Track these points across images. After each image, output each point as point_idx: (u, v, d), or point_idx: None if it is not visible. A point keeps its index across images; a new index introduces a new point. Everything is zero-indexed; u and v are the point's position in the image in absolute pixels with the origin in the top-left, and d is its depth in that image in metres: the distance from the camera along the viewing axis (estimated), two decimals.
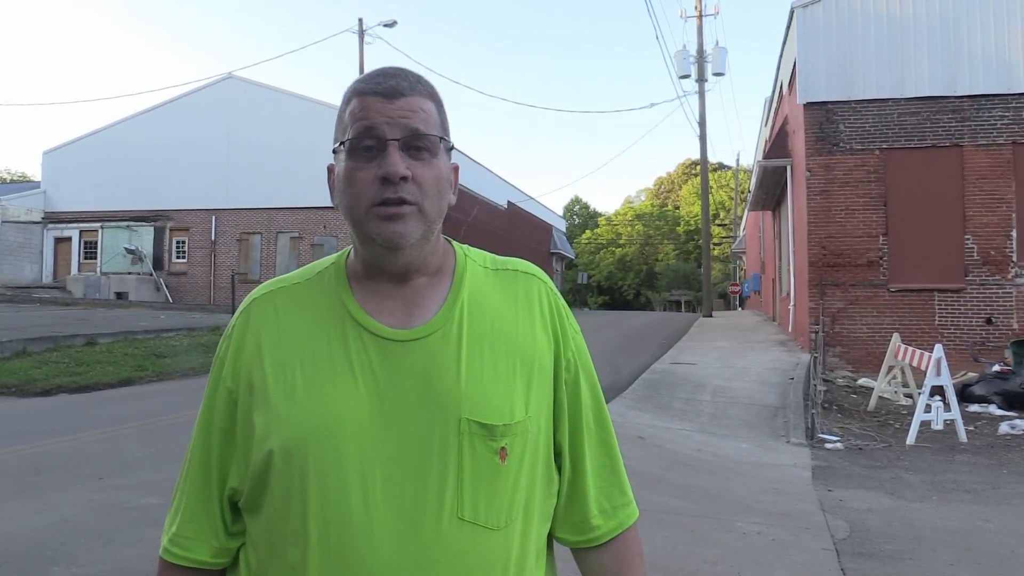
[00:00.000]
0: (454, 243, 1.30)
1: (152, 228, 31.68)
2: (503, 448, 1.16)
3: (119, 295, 29.82)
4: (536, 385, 1.22)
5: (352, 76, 25.13)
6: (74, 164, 32.28)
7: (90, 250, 32.44)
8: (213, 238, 30.88)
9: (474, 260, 1.29)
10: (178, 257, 31.79)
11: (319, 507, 1.12)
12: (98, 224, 32.07)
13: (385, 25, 28.77)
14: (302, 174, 27.65)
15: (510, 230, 39.29)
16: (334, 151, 1.22)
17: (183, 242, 31.57)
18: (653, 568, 4.82)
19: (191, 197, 30.62)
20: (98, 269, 31.85)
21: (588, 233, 73.15)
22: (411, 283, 1.23)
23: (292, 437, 1.13)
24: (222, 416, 1.22)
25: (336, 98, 24.38)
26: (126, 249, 31.42)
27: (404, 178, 1.14)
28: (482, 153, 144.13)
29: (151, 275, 31.42)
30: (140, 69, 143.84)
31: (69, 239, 32.71)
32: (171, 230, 31.67)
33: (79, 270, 32.28)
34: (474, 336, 1.20)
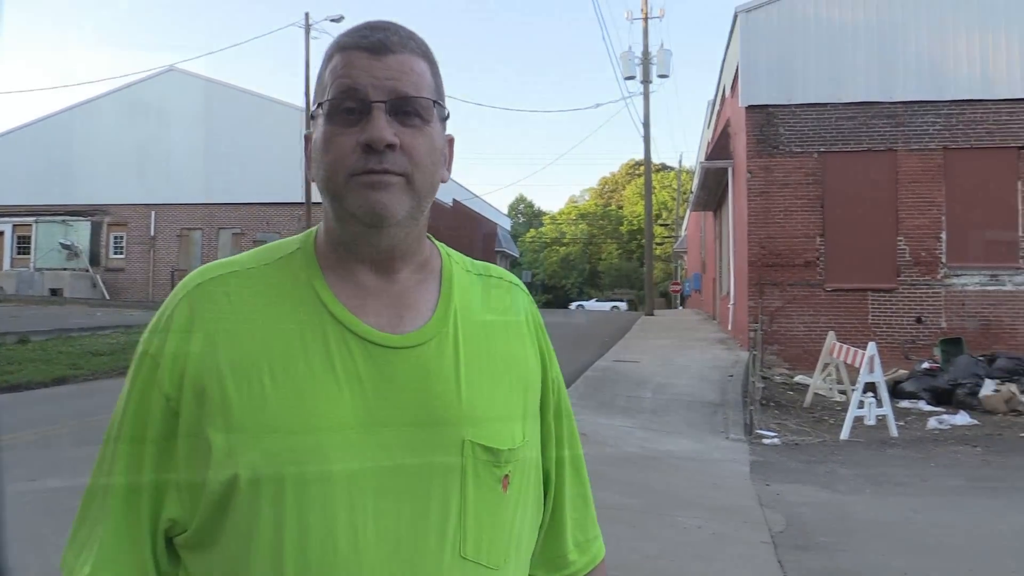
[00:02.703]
0: (434, 239, 1.15)
1: (89, 223, 30.94)
2: (506, 476, 1.02)
3: (53, 292, 29.06)
4: (531, 407, 1.10)
5: (298, 72, 24.87)
6: (7, 156, 31.35)
7: (23, 245, 31.55)
8: (152, 233, 30.28)
9: (457, 262, 1.14)
10: (115, 253, 31.10)
11: (298, 545, 0.92)
12: (32, 218, 31.20)
13: (332, 20, 28.51)
14: (245, 169, 27.27)
15: (456, 228, 39.29)
16: (312, 115, 1.04)
17: (121, 237, 30.89)
18: None
19: (130, 191, 29.98)
20: (32, 265, 30.99)
21: (532, 232, 73.41)
22: (396, 277, 1.05)
23: (265, 458, 0.93)
24: (157, 428, 0.97)
25: (281, 94, 24.15)
26: (61, 244, 30.63)
27: (391, 146, 0.97)
28: None
29: (87, 271, 30.68)
30: (77, 59, 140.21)
31: (1, 234, 31.77)
32: (108, 225, 30.97)
33: (11, 266, 31.38)
34: (471, 349, 1.05)
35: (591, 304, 50.70)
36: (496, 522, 1.01)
